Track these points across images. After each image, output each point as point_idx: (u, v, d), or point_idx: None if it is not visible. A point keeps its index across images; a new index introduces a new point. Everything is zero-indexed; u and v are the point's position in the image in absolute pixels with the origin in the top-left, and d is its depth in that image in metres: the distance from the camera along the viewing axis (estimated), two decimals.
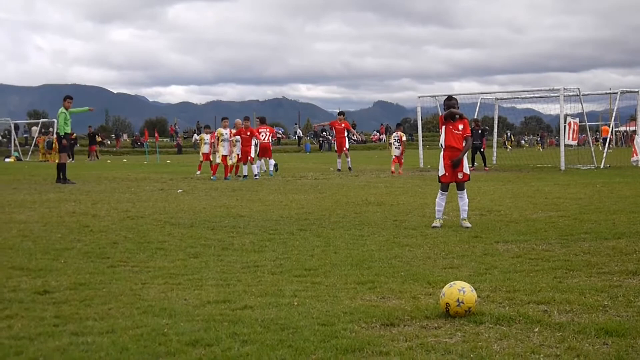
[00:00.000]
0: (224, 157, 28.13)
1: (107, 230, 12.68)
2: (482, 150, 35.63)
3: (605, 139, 56.03)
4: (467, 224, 13.02)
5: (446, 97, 14.12)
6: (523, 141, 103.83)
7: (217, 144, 28.21)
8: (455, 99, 13.77)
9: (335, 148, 35.72)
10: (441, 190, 13.35)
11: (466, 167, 13.46)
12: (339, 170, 33.19)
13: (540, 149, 74.38)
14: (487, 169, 34.62)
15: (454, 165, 13.24)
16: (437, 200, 13.33)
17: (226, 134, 28.17)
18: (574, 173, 30.79)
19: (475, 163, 35.72)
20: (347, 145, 34.11)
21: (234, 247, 10.87)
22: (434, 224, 13.01)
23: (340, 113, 35.92)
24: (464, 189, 13.38)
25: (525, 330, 6.19)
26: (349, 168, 33.26)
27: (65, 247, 10.85)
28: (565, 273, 8.64)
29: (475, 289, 7.02)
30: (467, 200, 13.31)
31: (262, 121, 33.27)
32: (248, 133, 28.59)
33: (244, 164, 28.70)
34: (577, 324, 6.31)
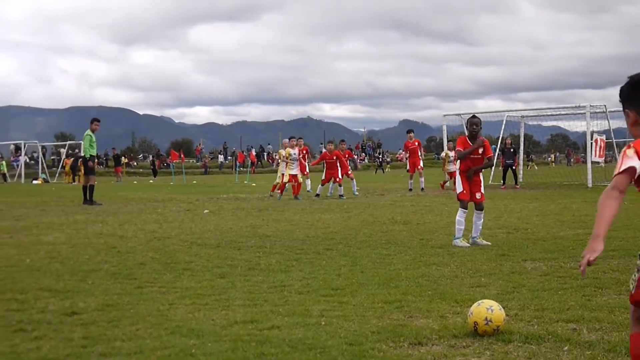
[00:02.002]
0: (293, 177, 28.17)
1: (134, 251, 12.72)
2: (514, 168, 35.51)
3: None
4: (483, 241, 13.01)
5: (470, 115, 14.12)
6: (550, 158, 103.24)
7: (286, 164, 28.34)
8: (478, 119, 13.72)
9: (408, 167, 33.93)
10: (461, 208, 13.30)
11: (483, 187, 13.51)
12: (410, 190, 32.35)
13: (536, 167, 73.68)
14: (517, 187, 34.46)
15: (469, 176, 13.26)
16: (457, 218, 13.25)
17: (294, 153, 28.22)
18: (601, 190, 30.39)
19: (509, 182, 35.55)
20: (421, 164, 33.07)
21: (261, 267, 10.86)
22: (461, 244, 12.91)
23: (409, 131, 34.82)
24: (482, 209, 13.34)
25: (555, 349, 6.14)
26: (422, 189, 32.17)
27: (92, 268, 10.89)
28: (594, 291, 8.57)
29: (504, 308, 6.97)
30: (483, 220, 13.31)
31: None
32: (334, 157, 28.91)
33: (340, 184, 28.88)
34: (607, 342, 6.26)
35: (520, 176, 40.49)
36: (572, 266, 10.36)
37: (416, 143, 33.34)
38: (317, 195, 28.48)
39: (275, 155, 31.97)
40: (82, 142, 26.55)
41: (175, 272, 10.43)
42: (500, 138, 42.92)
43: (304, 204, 24.80)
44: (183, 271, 10.54)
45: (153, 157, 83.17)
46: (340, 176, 28.81)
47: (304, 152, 29.48)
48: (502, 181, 35.63)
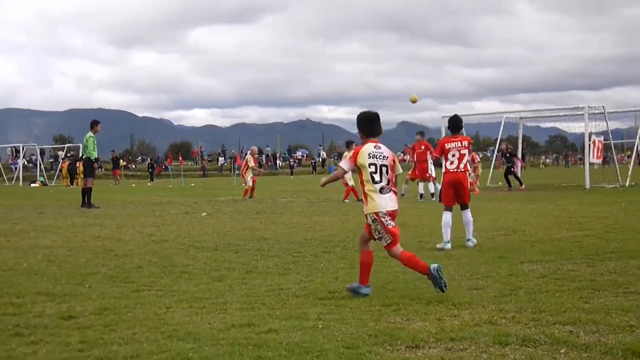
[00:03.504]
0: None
1: (131, 255, 12.72)
2: (513, 170, 35.43)
3: None
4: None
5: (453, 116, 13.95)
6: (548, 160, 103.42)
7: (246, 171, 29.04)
8: (460, 119, 13.87)
9: (417, 173, 28.96)
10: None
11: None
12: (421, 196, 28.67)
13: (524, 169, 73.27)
14: (509, 189, 34.35)
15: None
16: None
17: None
18: (599, 192, 30.65)
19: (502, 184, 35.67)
20: (430, 171, 28.44)
21: (258, 270, 10.86)
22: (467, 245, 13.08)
23: (419, 133, 30.54)
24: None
25: (552, 351, 6.14)
26: (432, 195, 27.99)
27: (90, 271, 10.89)
28: (591, 293, 8.57)
29: (501, 310, 6.97)
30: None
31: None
32: (422, 147, 28.43)
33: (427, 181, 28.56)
34: (603, 344, 6.26)
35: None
36: (570, 268, 10.37)
37: (422, 147, 28.89)
38: (421, 195, 28.03)
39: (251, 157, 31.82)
40: (85, 145, 26.24)
41: (172, 276, 10.43)
42: (499, 139, 42.98)
43: (301, 207, 24.79)
44: (180, 274, 10.54)
45: (151, 160, 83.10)
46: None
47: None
48: (518, 183, 35.29)
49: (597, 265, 10.54)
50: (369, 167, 8.79)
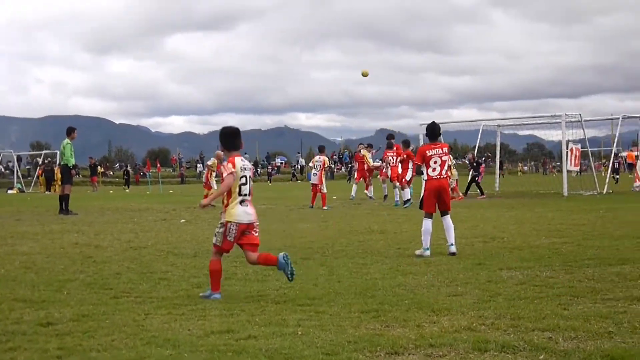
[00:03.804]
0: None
1: (110, 261, 12.66)
2: (477, 180, 35.51)
3: (630, 165, 56.24)
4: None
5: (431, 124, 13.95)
6: (526, 167, 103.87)
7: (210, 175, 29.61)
8: (438, 126, 13.88)
9: (387, 176, 30.39)
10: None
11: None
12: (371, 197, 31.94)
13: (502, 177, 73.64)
14: (483, 196, 34.45)
15: None
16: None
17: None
18: (576, 199, 30.77)
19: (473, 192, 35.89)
20: (407, 177, 27.59)
21: (237, 277, 10.84)
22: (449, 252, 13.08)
23: (403, 142, 29.78)
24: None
25: (531, 357, 6.15)
26: (396, 201, 28.66)
27: (68, 278, 10.83)
28: (569, 299, 8.61)
29: (480, 317, 6.98)
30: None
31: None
32: (405, 155, 28.68)
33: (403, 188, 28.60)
34: (582, 350, 6.28)
35: (496, 185, 40.66)
36: (548, 275, 10.41)
37: (405, 155, 28.56)
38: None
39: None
40: (63, 151, 26.02)
41: (151, 282, 10.40)
42: (477, 147, 43.16)
43: (280, 213, 24.77)
44: (159, 281, 10.51)
45: (126, 166, 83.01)
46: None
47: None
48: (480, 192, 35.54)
49: (576, 272, 10.58)
50: (240, 179, 9.22)
